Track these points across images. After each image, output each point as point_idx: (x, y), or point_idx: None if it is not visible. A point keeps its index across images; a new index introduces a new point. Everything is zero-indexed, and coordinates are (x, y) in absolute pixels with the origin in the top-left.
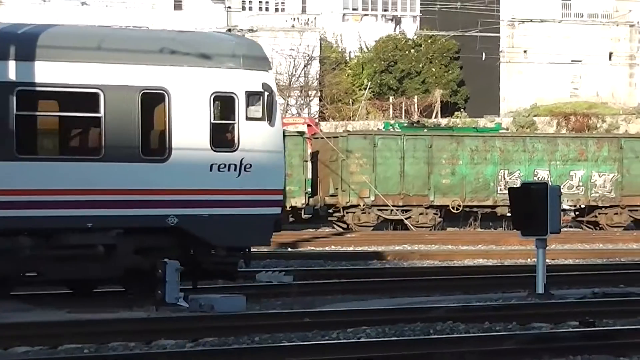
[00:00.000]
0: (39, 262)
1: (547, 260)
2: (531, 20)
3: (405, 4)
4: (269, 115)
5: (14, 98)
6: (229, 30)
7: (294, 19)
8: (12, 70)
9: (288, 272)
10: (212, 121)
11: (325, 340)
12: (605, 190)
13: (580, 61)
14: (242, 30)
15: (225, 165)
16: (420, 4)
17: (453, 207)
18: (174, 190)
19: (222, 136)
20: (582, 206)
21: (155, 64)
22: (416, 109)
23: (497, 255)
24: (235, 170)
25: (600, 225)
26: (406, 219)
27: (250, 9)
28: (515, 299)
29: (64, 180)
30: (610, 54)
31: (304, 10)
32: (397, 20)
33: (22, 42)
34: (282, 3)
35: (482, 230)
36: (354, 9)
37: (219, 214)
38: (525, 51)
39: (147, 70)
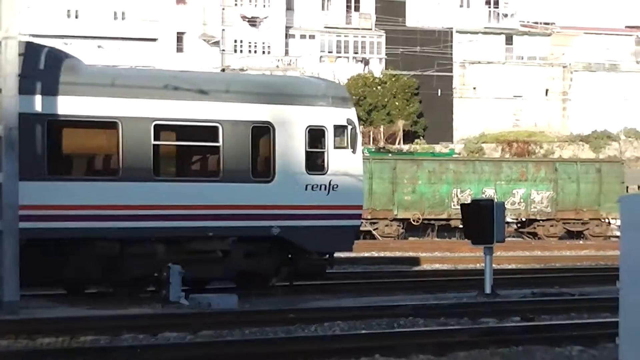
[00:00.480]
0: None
1: (493, 265)
2: (479, 62)
3: (373, 47)
4: (352, 144)
5: (152, 130)
6: (223, 69)
7: (279, 60)
8: (149, 107)
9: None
10: (307, 149)
11: (306, 333)
12: (543, 206)
13: (521, 96)
14: (234, 69)
15: (317, 186)
16: (386, 48)
17: (414, 220)
18: (277, 206)
19: (314, 162)
20: (523, 219)
21: (263, 102)
22: (382, 137)
23: (451, 261)
24: (325, 189)
25: (538, 236)
26: (374, 229)
27: (241, 51)
28: (466, 298)
29: (191, 197)
30: (547, 90)
31: (287, 53)
32: (366, 62)
33: (161, 83)
34: (269, 47)
35: (438, 239)
36: (329, 52)
37: (312, 225)
38: (474, 88)
39: (257, 108)
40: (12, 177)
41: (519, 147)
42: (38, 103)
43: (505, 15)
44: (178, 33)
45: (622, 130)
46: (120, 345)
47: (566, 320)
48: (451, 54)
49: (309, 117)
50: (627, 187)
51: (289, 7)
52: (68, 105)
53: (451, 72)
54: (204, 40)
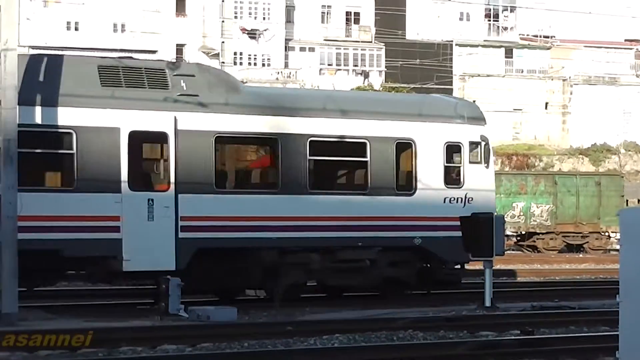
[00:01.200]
0: (323, 273)
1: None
2: (479, 75)
3: (372, 60)
4: (486, 159)
5: (307, 145)
6: None
7: (278, 73)
8: (305, 124)
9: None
10: (445, 164)
11: (305, 345)
12: (542, 219)
13: (521, 110)
14: None
15: (454, 199)
16: (385, 60)
17: None
18: (419, 218)
19: (452, 176)
20: (523, 232)
21: (406, 120)
22: None
23: None
24: (461, 202)
25: (538, 249)
26: None
27: (241, 63)
28: (466, 311)
29: (343, 209)
30: (546, 103)
31: (286, 65)
32: (366, 74)
33: (315, 103)
34: (268, 59)
35: None
36: (329, 64)
37: (450, 236)
38: (474, 101)
39: (400, 125)
40: (11, 189)
41: (518, 160)
42: (207, 120)
43: (505, 29)
44: (178, 45)
45: (622, 144)
46: (119, 358)
47: (566, 333)
48: (451, 66)
49: (447, 133)
50: (627, 201)
51: (289, 20)
52: (233, 123)
53: (451, 85)
54: (204, 52)
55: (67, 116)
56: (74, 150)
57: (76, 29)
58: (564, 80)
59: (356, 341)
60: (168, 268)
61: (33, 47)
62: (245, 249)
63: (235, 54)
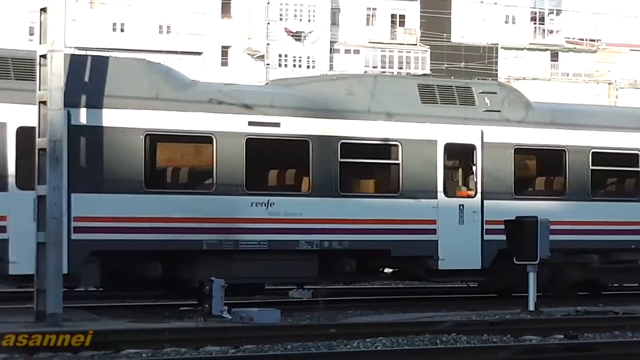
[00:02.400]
0: (600, 272)
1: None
2: (524, 78)
3: (417, 62)
4: None
5: (590, 157)
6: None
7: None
8: (588, 138)
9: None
10: None
11: (348, 348)
12: None
13: None
14: None
15: None
16: (430, 63)
17: None
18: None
19: None
20: None
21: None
22: None
23: None
24: None
25: None
26: None
27: (285, 65)
28: (509, 315)
29: (618, 215)
30: None
31: (331, 68)
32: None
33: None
34: (313, 61)
35: None
36: (373, 67)
37: None
38: None
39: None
40: (57, 190)
41: None
42: (507, 134)
43: (551, 32)
44: (223, 47)
45: None
46: (162, 359)
47: (610, 338)
48: (496, 70)
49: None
50: None
51: (334, 22)
52: (528, 135)
53: None
54: (249, 54)
55: (392, 129)
56: (399, 161)
57: (122, 30)
58: (609, 83)
59: (399, 344)
60: (475, 267)
61: (79, 48)
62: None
63: (280, 56)
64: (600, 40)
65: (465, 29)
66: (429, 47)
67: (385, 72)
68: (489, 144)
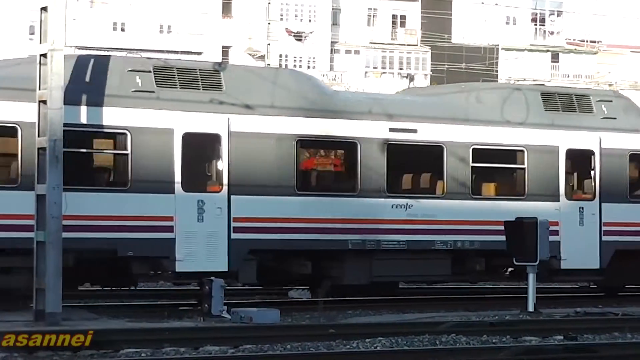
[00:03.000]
0: None
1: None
2: (525, 79)
3: (418, 63)
4: None
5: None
6: None
7: (323, 75)
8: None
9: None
10: None
11: (347, 348)
12: None
13: None
14: None
15: None
16: (431, 64)
17: None
18: None
19: None
20: None
21: None
22: None
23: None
24: None
25: None
26: None
27: (286, 65)
28: (509, 315)
29: None
30: None
31: (332, 68)
32: (411, 77)
33: None
34: (314, 61)
35: None
36: (374, 67)
37: None
38: None
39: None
40: (56, 189)
41: None
42: (623, 140)
43: (552, 33)
44: (223, 47)
45: None
46: (162, 358)
47: (609, 340)
48: (497, 70)
49: None
50: None
51: (335, 22)
52: None
53: None
54: (249, 54)
55: (518, 135)
56: (525, 166)
57: (122, 29)
58: (610, 85)
59: (399, 345)
60: (593, 267)
61: (79, 48)
62: None
63: (280, 56)
64: (600, 41)
65: (466, 30)
66: (429, 47)
67: (385, 72)
68: (606, 150)
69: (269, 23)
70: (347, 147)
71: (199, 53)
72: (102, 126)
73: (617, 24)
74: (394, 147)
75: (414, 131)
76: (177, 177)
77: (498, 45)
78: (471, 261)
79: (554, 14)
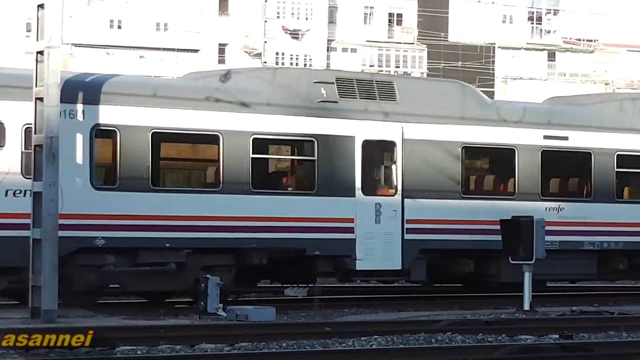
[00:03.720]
0: None
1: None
2: (521, 78)
3: (414, 61)
4: None
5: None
6: None
7: None
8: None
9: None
10: None
11: (343, 346)
12: None
13: None
14: None
15: None
16: (428, 62)
17: None
18: None
19: None
20: None
21: None
22: None
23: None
24: None
25: None
26: None
27: (282, 63)
28: (504, 314)
29: None
30: None
31: (328, 66)
32: (408, 76)
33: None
34: (310, 59)
35: None
36: (370, 65)
37: None
38: None
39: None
40: (53, 186)
41: None
42: None
43: (548, 32)
44: (220, 44)
45: None
46: (157, 356)
47: (605, 338)
48: (493, 69)
49: None
50: None
51: (331, 20)
52: None
53: (493, 87)
54: (246, 52)
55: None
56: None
57: (119, 27)
58: (606, 84)
59: (394, 343)
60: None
61: (76, 45)
62: None
63: (277, 54)
64: (597, 40)
65: (463, 28)
66: (426, 46)
67: (381, 71)
68: None
69: (266, 21)
70: (506, 153)
71: (196, 51)
72: (292, 134)
73: (613, 23)
74: (548, 153)
75: (566, 138)
76: (358, 182)
77: (495, 43)
78: (615, 261)
79: (550, 13)
